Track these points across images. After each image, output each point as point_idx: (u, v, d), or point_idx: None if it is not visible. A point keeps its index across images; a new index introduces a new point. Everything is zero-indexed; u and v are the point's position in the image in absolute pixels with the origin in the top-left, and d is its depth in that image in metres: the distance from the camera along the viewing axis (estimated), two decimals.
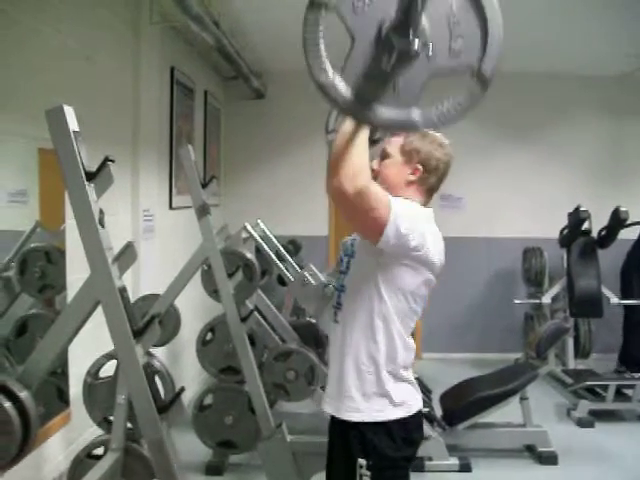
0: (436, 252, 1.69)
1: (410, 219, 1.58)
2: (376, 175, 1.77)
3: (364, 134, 1.47)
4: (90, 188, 1.50)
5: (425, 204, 1.81)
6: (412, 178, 1.77)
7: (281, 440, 2.95)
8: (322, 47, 1.20)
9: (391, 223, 1.52)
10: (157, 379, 2.13)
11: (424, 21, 1.19)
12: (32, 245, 2.70)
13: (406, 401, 1.73)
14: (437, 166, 1.77)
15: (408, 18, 1.15)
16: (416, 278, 1.68)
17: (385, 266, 1.65)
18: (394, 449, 1.68)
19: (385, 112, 1.23)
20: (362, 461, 1.67)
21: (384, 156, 1.82)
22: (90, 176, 1.51)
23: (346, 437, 1.72)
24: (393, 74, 1.22)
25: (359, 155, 1.46)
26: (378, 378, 1.69)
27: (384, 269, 1.66)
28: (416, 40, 1.17)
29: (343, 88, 1.21)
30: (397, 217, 1.53)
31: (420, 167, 1.76)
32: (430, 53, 1.21)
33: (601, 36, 4.85)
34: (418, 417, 1.77)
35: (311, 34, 1.20)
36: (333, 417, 1.80)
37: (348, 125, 1.45)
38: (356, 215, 1.55)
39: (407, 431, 1.72)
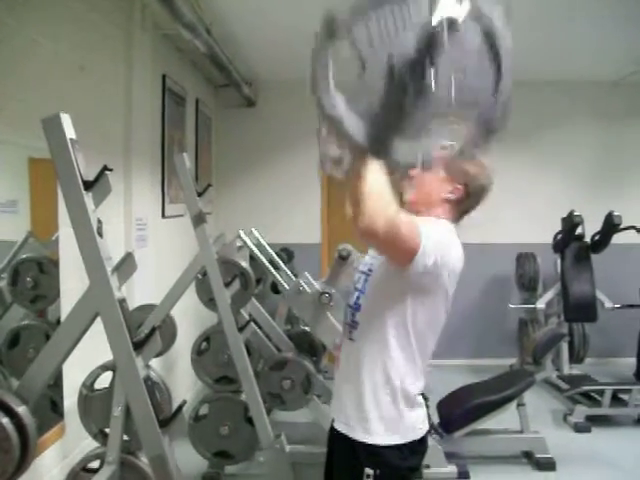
0: (454, 280, 1.69)
1: (438, 248, 1.55)
2: (410, 180, 1.71)
3: (376, 165, 1.38)
4: (88, 197, 1.47)
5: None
6: (450, 197, 1.71)
7: (280, 451, 2.91)
8: (332, 79, 1.15)
9: (420, 255, 1.49)
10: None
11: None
12: (24, 255, 2.67)
13: (417, 425, 1.71)
14: (478, 192, 1.74)
15: (426, 57, 1.13)
16: (436, 305, 1.68)
17: (410, 289, 1.62)
18: (402, 459, 1.66)
19: (397, 147, 1.20)
20: (369, 471, 1.64)
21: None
22: (88, 185, 1.47)
23: (352, 446, 1.69)
24: (405, 110, 1.17)
25: (380, 187, 1.39)
26: (394, 400, 1.66)
27: (409, 292, 1.62)
28: (432, 79, 1.14)
29: (355, 123, 1.17)
30: (426, 250, 1.49)
31: (462, 188, 1.71)
32: (440, 92, 1.17)
33: (595, 42, 4.87)
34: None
35: (322, 64, 1.15)
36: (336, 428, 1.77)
37: (359, 163, 1.37)
38: (387, 249, 1.52)
39: (414, 443, 1.69)
